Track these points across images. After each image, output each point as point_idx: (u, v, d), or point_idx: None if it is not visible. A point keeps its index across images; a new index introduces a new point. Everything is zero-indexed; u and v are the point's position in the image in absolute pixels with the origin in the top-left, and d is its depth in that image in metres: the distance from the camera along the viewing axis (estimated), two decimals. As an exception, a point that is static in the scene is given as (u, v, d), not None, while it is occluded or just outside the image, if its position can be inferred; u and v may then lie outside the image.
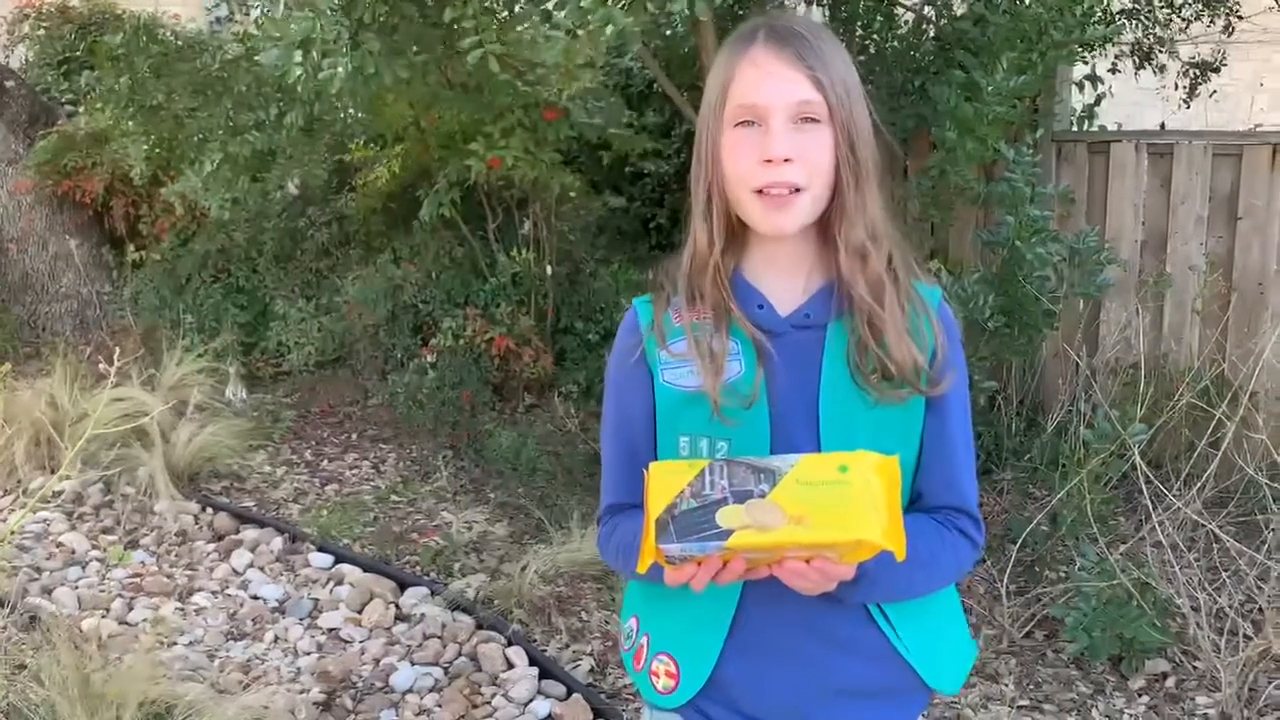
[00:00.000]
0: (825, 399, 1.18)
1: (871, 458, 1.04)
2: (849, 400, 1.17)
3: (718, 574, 1.07)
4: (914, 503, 1.24)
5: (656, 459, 1.21)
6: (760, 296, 1.21)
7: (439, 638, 3.07)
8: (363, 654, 3.01)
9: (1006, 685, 2.80)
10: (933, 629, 1.26)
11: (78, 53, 5.57)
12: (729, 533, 1.01)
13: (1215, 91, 5.41)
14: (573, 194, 4.77)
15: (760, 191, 1.14)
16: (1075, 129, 4.35)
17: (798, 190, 1.14)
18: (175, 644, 3.03)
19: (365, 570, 3.43)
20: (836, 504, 1.01)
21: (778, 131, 1.12)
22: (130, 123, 3.98)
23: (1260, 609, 2.76)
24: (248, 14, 3.89)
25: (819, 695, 1.22)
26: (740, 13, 4.17)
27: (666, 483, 1.05)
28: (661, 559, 1.05)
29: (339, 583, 3.38)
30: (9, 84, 5.84)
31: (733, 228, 1.20)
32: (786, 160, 1.12)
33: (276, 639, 3.10)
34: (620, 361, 1.27)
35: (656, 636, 1.28)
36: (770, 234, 1.17)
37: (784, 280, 1.21)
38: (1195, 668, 2.83)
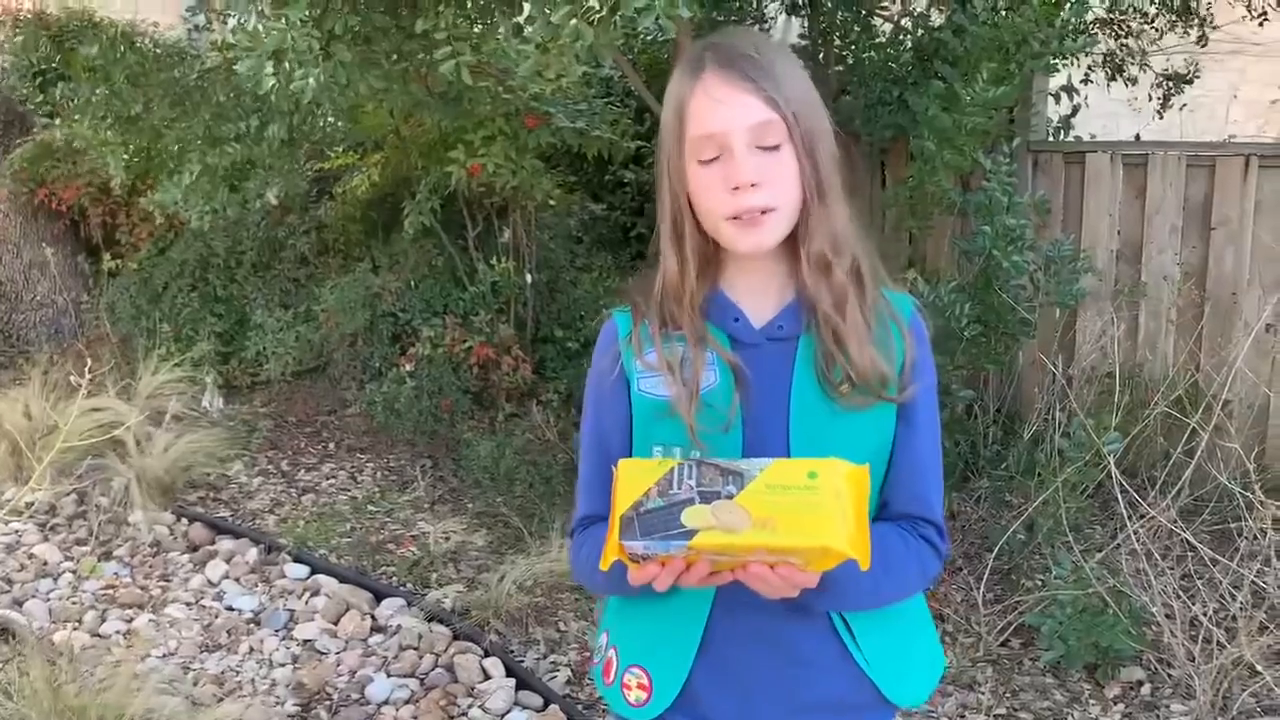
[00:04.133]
0: (795, 409, 1.19)
1: (842, 466, 1.04)
2: (819, 411, 1.18)
3: (681, 576, 1.06)
4: (880, 511, 1.24)
5: None
6: (737, 310, 1.22)
7: (415, 649, 3.05)
8: (338, 665, 2.99)
9: (983, 694, 2.80)
10: (897, 642, 1.26)
11: (54, 65, 5.55)
12: (693, 533, 1.01)
13: (1185, 105, 5.45)
14: (553, 201, 4.77)
15: (733, 218, 1.15)
16: (1051, 139, 4.38)
17: (768, 210, 1.14)
18: (149, 656, 3.00)
19: (341, 581, 3.41)
20: (804, 510, 1.01)
21: (741, 157, 1.13)
22: (109, 133, 3.95)
23: (1234, 617, 2.77)
24: (225, 23, 3.86)
25: (785, 711, 1.21)
26: (719, 19, 4.19)
27: (634, 480, 1.05)
28: (624, 556, 1.04)
29: (315, 594, 3.36)
30: (-18, 91, 5.81)
31: (707, 250, 1.21)
32: (753, 185, 1.13)
33: (251, 650, 3.08)
34: (598, 372, 1.27)
35: (626, 650, 1.28)
36: (749, 254, 1.18)
37: (758, 294, 1.23)
38: (1170, 675, 2.85)
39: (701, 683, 1.22)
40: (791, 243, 1.19)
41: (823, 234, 1.18)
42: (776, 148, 1.14)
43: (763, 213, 1.14)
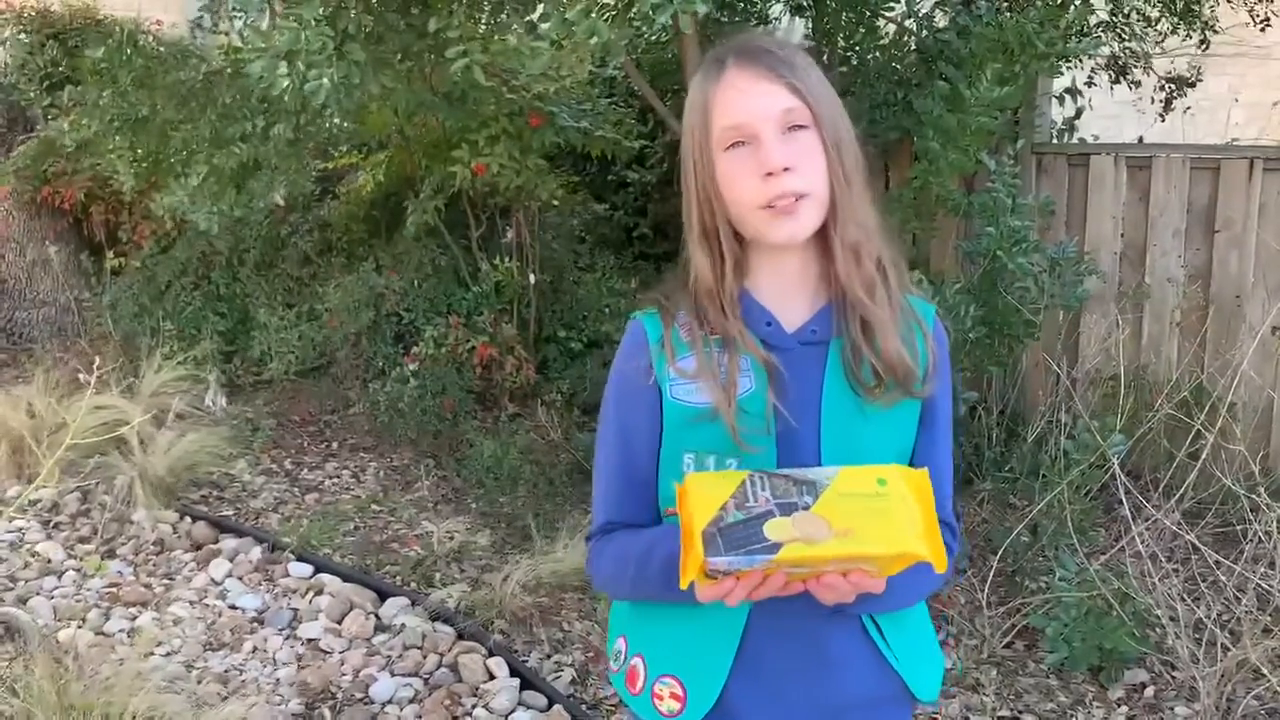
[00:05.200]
0: (827, 413, 1.19)
1: (904, 471, 1.05)
2: (849, 414, 1.19)
3: (756, 589, 1.05)
4: None
5: (656, 476, 1.22)
6: (768, 314, 1.21)
7: (419, 648, 3.05)
8: (342, 665, 2.99)
9: (987, 696, 2.81)
10: (913, 638, 1.28)
11: (60, 68, 5.56)
12: (778, 546, 1.00)
13: (1190, 108, 5.47)
14: (556, 201, 4.77)
15: (767, 206, 1.14)
16: (1055, 141, 4.38)
17: (802, 196, 1.14)
18: (152, 655, 3.00)
19: (345, 580, 3.41)
20: (879, 517, 1.01)
21: (770, 143, 1.13)
22: (117, 136, 3.94)
23: (1238, 619, 2.77)
24: (232, 24, 3.85)
25: (822, 712, 1.22)
26: (723, 20, 4.19)
27: (707, 495, 1.03)
28: (703, 574, 1.02)
29: (319, 593, 3.36)
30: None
31: (737, 254, 1.20)
32: (786, 170, 1.13)
33: (255, 650, 3.08)
34: (623, 377, 1.25)
35: (655, 658, 1.26)
36: (784, 244, 1.17)
37: (791, 296, 1.22)
38: (1174, 678, 2.85)
39: (739, 690, 1.21)
40: (822, 241, 1.19)
41: (854, 222, 1.18)
42: (803, 128, 1.14)
43: (797, 200, 1.14)
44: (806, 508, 1.01)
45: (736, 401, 1.17)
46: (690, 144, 1.20)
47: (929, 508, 1.05)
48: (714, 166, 1.17)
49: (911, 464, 1.23)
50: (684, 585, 1.04)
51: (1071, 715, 2.76)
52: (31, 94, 5.58)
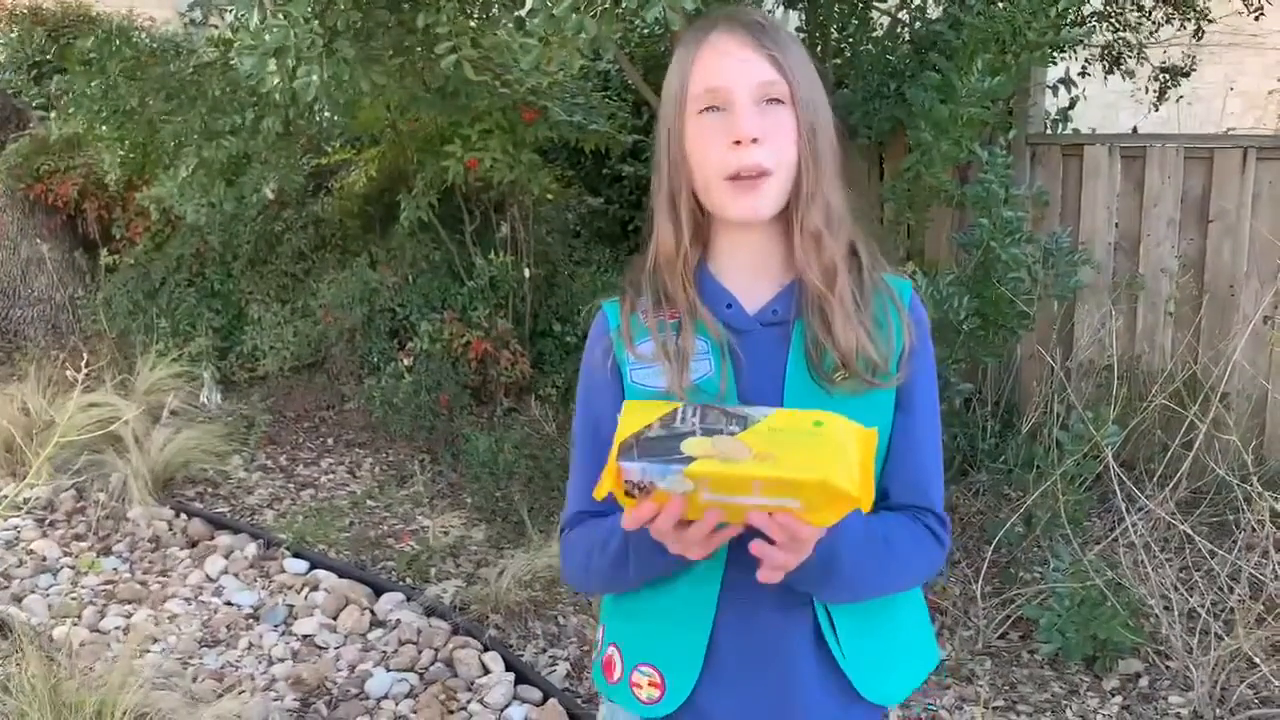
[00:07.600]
0: (790, 397, 1.16)
1: (850, 423, 1.02)
2: (815, 397, 1.16)
3: (680, 534, 1.03)
4: (880, 502, 1.21)
5: None
6: (729, 295, 1.19)
7: (414, 643, 3.05)
8: (338, 660, 2.99)
9: (981, 687, 2.81)
10: (880, 640, 1.23)
11: (49, 56, 5.54)
12: (691, 459, 0.98)
13: (1182, 97, 5.46)
14: (550, 195, 4.77)
15: (732, 177, 1.12)
16: (1049, 132, 4.38)
17: (766, 173, 1.12)
18: (148, 652, 3.00)
19: (340, 576, 3.41)
20: (805, 448, 0.99)
21: (744, 111, 1.11)
22: (104, 127, 3.93)
23: (1232, 609, 2.78)
24: (222, 18, 3.85)
25: (781, 709, 1.20)
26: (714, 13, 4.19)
27: (639, 416, 1.04)
28: (619, 484, 1.01)
29: (314, 589, 3.36)
30: (-22, 86, 5.79)
31: (697, 222, 1.19)
32: (755, 141, 1.11)
33: (250, 646, 3.08)
34: (590, 365, 1.25)
35: (632, 648, 1.26)
36: (743, 219, 1.15)
37: (752, 276, 1.20)
38: (1168, 667, 2.86)
39: (707, 682, 1.20)
40: (786, 223, 1.17)
41: (818, 207, 1.15)
42: (779, 103, 1.12)
43: (761, 175, 1.12)
44: (732, 435, 1.00)
45: (693, 384, 1.15)
46: (665, 112, 1.18)
47: (868, 460, 1.02)
48: (683, 128, 1.15)
49: (889, 451, 1.20)
50: (599, 496, 1.02)
51: (1066, 705, 2.77)
52: (19, 82, 5.55)
